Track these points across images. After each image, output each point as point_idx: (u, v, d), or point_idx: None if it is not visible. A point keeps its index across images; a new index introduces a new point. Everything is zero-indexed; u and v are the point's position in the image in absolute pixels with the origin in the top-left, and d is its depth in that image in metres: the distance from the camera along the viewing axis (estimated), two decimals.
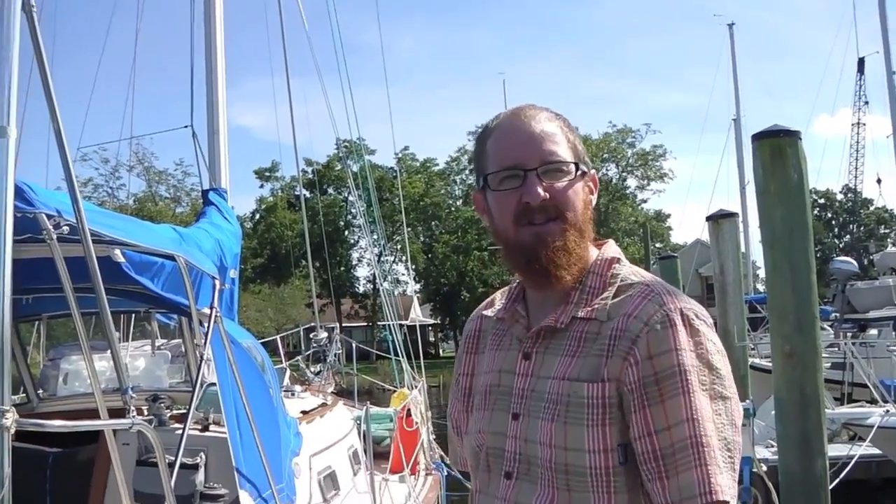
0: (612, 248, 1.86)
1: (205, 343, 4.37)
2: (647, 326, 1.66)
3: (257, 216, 60.60)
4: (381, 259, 37.67)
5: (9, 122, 3.01)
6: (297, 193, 56.07)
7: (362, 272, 62.14)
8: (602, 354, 1.69)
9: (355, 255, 61.68)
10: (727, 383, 1.65)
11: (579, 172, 1.79)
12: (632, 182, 63.90)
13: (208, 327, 4.40)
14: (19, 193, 3.33)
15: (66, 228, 3.55)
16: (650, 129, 61.52)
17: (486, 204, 1.85)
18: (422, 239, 60.86)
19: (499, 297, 2.01)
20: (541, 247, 1.74)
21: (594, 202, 1.86)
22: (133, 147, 32.85)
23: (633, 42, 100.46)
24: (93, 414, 3.69)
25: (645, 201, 65.20)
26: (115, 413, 3.58)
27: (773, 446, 11.02)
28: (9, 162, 2.98)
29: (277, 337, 13.35)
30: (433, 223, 62.27)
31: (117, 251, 4.22)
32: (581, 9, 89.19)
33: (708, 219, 14.86)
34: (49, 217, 3.54)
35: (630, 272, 1.80)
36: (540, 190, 1.73)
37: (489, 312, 2.00)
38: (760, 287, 38.10)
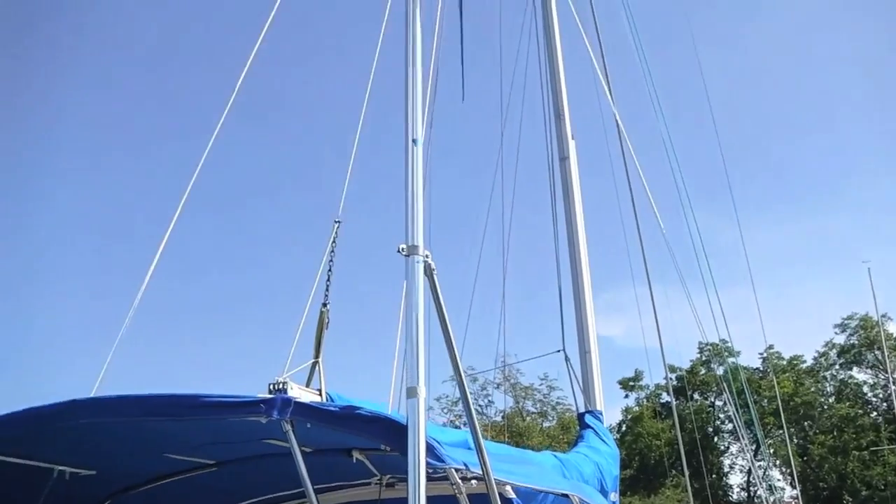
0: None
1: None
2: None
3: (623, 426, 60.87)
4: (759, 463, 36.05)
5: (418, 382, 3.29)
6: (662, 401, 56.15)
7: (734, 479, 60.09)
8: None
9: (726, 461, 59.96)
10: None
11: None
12: None
13: None
14: (430, 450, 3.50)
15: (473, 482, 3.88)
16: None
17: None
18: (795, 440, 58.07)
19: None
20: None
21: None
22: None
23: None
24: None
25: None
26: None
27: None
28: (420, 420, 3.20)
29: None
30: (805, 423, 59.35)
31: (508, 487, 4.43)
32: None
33: None
34: (457, 471, 3.83)
35: None
36: None
37: None
38: None
